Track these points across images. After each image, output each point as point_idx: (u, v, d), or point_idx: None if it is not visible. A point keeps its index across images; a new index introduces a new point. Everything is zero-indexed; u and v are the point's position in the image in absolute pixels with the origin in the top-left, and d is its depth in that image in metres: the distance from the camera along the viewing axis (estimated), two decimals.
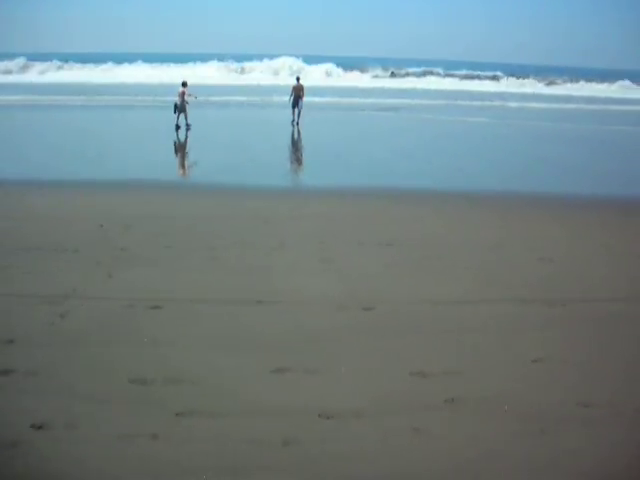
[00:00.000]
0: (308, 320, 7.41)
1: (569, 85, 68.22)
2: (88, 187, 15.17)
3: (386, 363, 6.35)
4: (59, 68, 62.09)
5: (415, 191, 15.50)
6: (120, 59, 67.69)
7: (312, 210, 13.25)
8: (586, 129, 32.67)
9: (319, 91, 40.70)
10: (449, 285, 8.65)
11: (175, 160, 21.24)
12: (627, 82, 69.07)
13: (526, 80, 69.93)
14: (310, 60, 72.26)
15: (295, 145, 25.23)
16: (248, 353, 6.53)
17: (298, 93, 26.47)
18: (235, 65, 69.15)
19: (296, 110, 26.66)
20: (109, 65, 64.05)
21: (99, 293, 8.12)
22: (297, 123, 26.93)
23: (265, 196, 14.65)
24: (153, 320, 7.36)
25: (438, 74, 73.37)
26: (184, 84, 24.89)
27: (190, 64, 66.14)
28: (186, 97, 24.54)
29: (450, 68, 78.48)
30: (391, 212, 13.18)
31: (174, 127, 24.86)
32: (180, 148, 23.33)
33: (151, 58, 72.16)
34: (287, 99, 27.28)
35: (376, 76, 70.11)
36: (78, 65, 64.01)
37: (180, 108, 24.54)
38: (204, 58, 71.08)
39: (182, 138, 24.49)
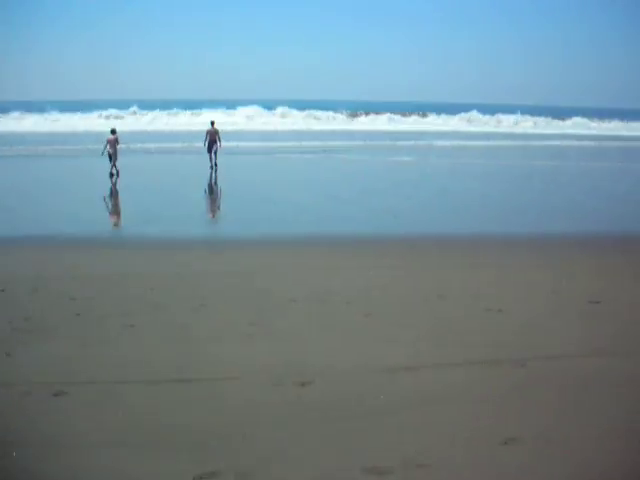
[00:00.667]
0: (236, 402, 6.30)
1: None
2: None
3: (333, 457, 5.28)
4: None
5: (350, 238, 14.65)
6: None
7: (237, 263, 12.19)
8: (510, 165, 32.85)
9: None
10: (396, 348, 7.68)
11: (95, 211, 19.65)
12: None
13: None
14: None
15: (214, 191, 24.12)
16: (167, 453, 5.35)
17: (213, 137, 26.68)
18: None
19: (212, 154, 26.75)
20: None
21: None
22: (215, 165, 26.81)
23: (184, 248, 13.51)
24: (54, 411, 6.10)
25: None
26: (113, 131, 25.09)
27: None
28: (117, 145, 24.82)
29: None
30: (325, 262, 12.22)
31: (108, 175, 24.47)
32: (104, 198, 21.94)
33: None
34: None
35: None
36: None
37: (112, 156, 24.54)
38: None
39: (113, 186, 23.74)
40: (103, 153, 24.69)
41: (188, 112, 66.44)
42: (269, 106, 71.71)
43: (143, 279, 10.93)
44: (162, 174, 28.16)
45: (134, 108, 65.76)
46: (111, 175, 24.36)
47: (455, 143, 45.65)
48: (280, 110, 70.69)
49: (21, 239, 14.38)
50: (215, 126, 27.27)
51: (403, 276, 11.26)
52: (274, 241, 14.27)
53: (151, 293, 10.05)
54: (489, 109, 78.59)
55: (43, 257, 12.57)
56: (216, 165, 26.90)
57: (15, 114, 59.94)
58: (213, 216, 19.30)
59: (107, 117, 60.61)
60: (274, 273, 11.45)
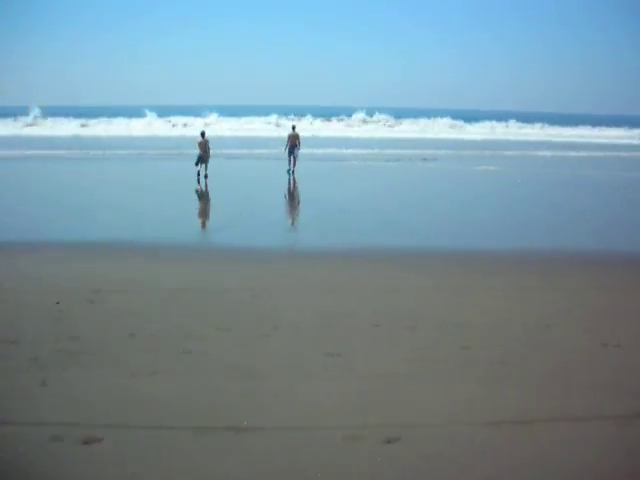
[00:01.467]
0: (303, 461, 5.06)
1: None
2: (50, 249, 12.86)
3: None
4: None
5: (440, 254, 13.10)
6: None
7: (313, 278, 10.96)
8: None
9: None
10: (503, 393, 6.27)
11: (164, 217, 18.79)
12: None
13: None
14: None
15: (292, 198, 22.98)
16: None
17: (294, 142, 25.94)
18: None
19: (292, 158, 25.92)
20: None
21: (20, 416, 5.80)
22: (293, 172, 25.88)
23: (256, 261, 12.34)
24: (84, 463, 5.03)
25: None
26: (203, 134, 24.37)
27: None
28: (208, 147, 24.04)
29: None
30: (413, 281, 10.83)
31: (196, 179, 23.68)
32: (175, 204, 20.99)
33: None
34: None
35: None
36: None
37: (204, 158, 23.83)
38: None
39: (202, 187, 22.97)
40: (198, 157, 23.89)
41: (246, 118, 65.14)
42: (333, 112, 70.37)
43: (208, 295, 9.87)
44: (241, 180, 27.28)
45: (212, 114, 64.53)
46: (198, 175, 23.69)
47: (548, 153, 42.84)
48: (361, 115, 69.26)
49: (88, 245, 13.56)
50: (296, 130, 26.72)
51: (501, 300, 9.79)
52: (353, 255, 12.97)
53: (215, 312, 8.96)
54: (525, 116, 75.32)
55: (107, 265, 11.69)
56: (293, 172, 25.98)
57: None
58: (292, 224, 18.09)
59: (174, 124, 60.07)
60: (351, 291, 10.18)
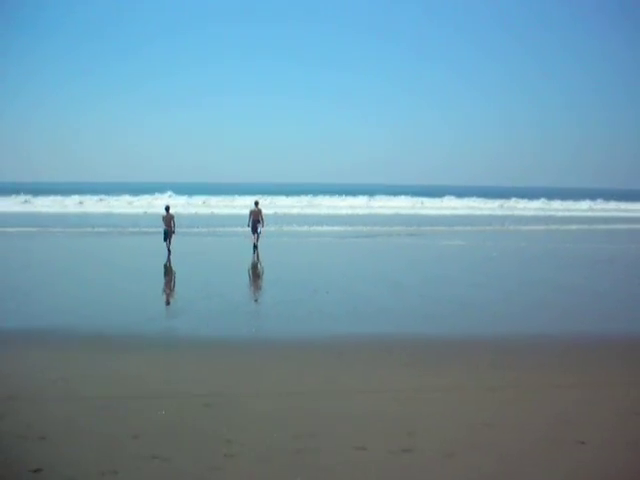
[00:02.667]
0: None
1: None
2: None
3: None
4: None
5: (435, 344, 11.26)
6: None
7: (276, 379, 8.99)
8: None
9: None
10: None
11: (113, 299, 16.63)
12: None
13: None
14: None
15: (255, 272, 21.08)
16: None
17: (256, 217, 26.02)
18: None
19: (255, 235, 25.91)
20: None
21: None
22: (256, 246, 25.55)
23: (209, 356, 10.30)
24: None
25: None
26: (167, 208, 23.87)
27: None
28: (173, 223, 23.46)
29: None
30: (405, 382, 8.89)
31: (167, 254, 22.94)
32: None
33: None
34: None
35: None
36: None
37: (169, 233, 23.25)
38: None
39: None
40: (164, 233, 23.22)
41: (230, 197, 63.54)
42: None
43: (142, 406, 7.81)
44: (206, 256, 25.37)
45: (169, 193, 62.62)
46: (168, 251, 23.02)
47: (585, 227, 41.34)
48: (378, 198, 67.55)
49: (13, 333, 11.43)
50: (259, 206, 26.45)
51: (527, 404, 7.92)
52: (320, 346, 11.06)
53: (150, 432, 6.91)
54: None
55: (27, 363, 9.60)
56: (256, 247, 25.47)
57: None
58: (254, 309, 15.99)
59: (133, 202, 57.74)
60: (324, 397, 8.23)
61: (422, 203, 64.15)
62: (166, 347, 10.87)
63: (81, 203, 56.09)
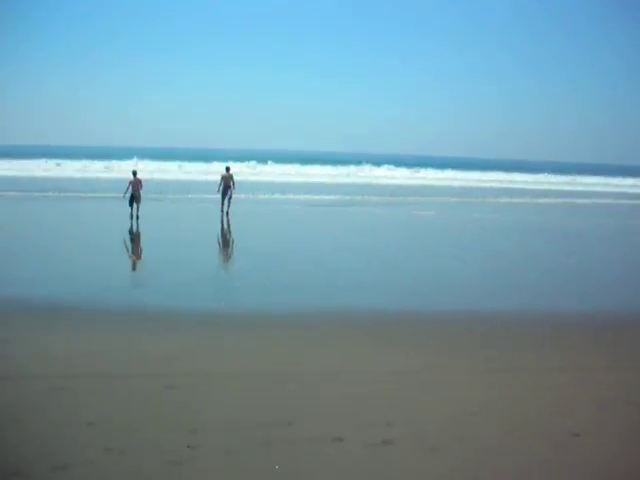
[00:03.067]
0: None
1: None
2: None
3: None
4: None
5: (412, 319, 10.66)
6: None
7: (248, 359, 8.40)
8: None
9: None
10: None
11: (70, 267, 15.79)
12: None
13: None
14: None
15: (226, 245, 20.25)
16: None
17: (227, 183, 25.49)
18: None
19: (226, 200, 25.46)
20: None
21: None
22: (227, 213, 25.21)
23: (174, 331, 9.63)
24: None
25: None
26: (135, 173, 23.48)
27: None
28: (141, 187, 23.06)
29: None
30: (382, 364, 8.32)
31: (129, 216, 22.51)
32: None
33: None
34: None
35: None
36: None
37: (135, 198, 22.71)
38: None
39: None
40: (125, 196, 22.74)
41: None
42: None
43: (82, 387, 7.18)
44: (175, 222, 24.57)
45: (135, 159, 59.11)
46: (131, 217, 22.46)
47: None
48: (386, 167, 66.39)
49: None
50: (230, 172, 25.95)
51: (517, 389, 7.43)
52: (299, 320, 10.50)
53: (99, 417, 6.28)
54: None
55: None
56: (228, 214, 25.13)
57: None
58: (223, 277, 15.35)
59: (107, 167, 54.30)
60: (302, 381, 7.67)
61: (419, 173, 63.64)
62: (127, 322, 10.16)
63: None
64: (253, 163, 61.21)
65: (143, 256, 17.21)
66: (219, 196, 25.54)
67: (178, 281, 13.06)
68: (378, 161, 71.11)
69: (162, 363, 8.03)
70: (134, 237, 19.92)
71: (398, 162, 71.74)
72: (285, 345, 9.03)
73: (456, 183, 54.74)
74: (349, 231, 23.33)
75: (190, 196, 33.50)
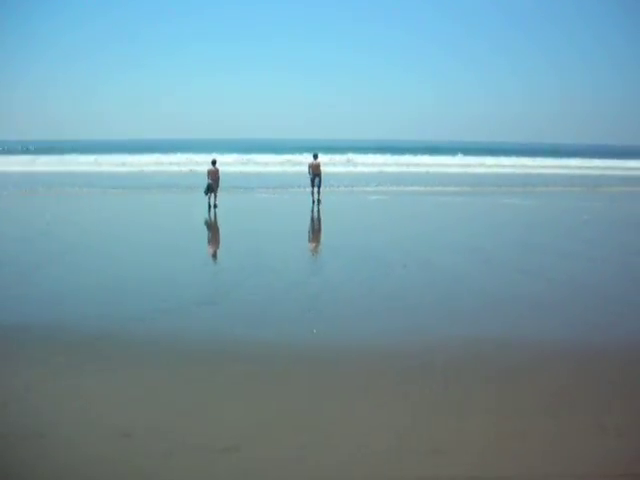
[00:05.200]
0: None
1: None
2: None
3: None
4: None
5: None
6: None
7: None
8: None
9: None
10: None
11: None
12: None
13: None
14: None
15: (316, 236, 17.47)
16: None
17: (316, 170, 24.84)
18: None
19: (315, 189, 24.79)
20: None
21: None
22: (318, 201, 24.49)
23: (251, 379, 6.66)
24: None
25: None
26: (214, 162, 22.94)
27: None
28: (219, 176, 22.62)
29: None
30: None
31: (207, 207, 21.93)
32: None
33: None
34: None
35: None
36: None
37: (214, 187, 22.29)
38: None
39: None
40: (207, 186, 22.16)
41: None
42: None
43: None
44: (255, 213, 22.33)
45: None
46: (209, 206, 22.04)
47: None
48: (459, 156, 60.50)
49: None
50: (318, 160, 25.29)
51: None
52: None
53: None
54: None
55: None
56: (319, 202, 24.34)
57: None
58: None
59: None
60: None
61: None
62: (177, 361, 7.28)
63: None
64: (349, 155, 57.00)
65: (220, 257, 14.53)
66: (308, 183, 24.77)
67: (254, 301, 10.05)
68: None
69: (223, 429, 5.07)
70: (211, 227, 18.96)
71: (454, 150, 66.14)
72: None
73: (541, 171, 49.46)
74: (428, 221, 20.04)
75: (276, 188, 30.71)
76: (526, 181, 37.43)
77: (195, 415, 5.76)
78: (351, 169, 45.54)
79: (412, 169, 46.66)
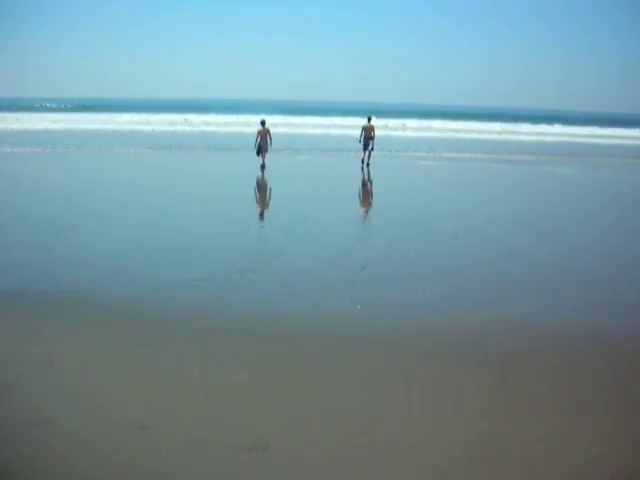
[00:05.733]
0: None
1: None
2: None
3: None
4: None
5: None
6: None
7: None
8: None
9: None
10: None
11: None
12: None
13: None
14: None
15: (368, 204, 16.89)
16: None
17: (369, 133, 24.18)
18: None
19: (366, 152, 24.20)
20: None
21: None
22: (367, 164, 24.11)
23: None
24: None
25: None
26: (263, 123, 22.25)
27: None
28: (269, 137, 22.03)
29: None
30: None
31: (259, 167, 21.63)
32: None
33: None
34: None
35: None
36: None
37: (263, 148, 21.90)
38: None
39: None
40: (256, 146, 21.81)
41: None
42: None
43: None
44: (306, 175, 22.18)
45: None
46: (262, 167, 21.70)
47: None
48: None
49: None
50: (371, 122, 24.38)
51: None
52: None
53: None
54: None
55: None
56: (368, 165, 23.94)
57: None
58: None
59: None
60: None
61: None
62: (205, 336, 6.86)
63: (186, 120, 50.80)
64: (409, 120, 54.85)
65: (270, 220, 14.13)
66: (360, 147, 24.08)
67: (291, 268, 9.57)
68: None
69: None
70: (260, 189, 18.56)
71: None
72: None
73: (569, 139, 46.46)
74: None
75: (323, 151, 29.97)
76: (586, 151, 35.81)
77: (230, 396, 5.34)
78: (400, 133, 44.26)
79: (480, 135, 44.70)
